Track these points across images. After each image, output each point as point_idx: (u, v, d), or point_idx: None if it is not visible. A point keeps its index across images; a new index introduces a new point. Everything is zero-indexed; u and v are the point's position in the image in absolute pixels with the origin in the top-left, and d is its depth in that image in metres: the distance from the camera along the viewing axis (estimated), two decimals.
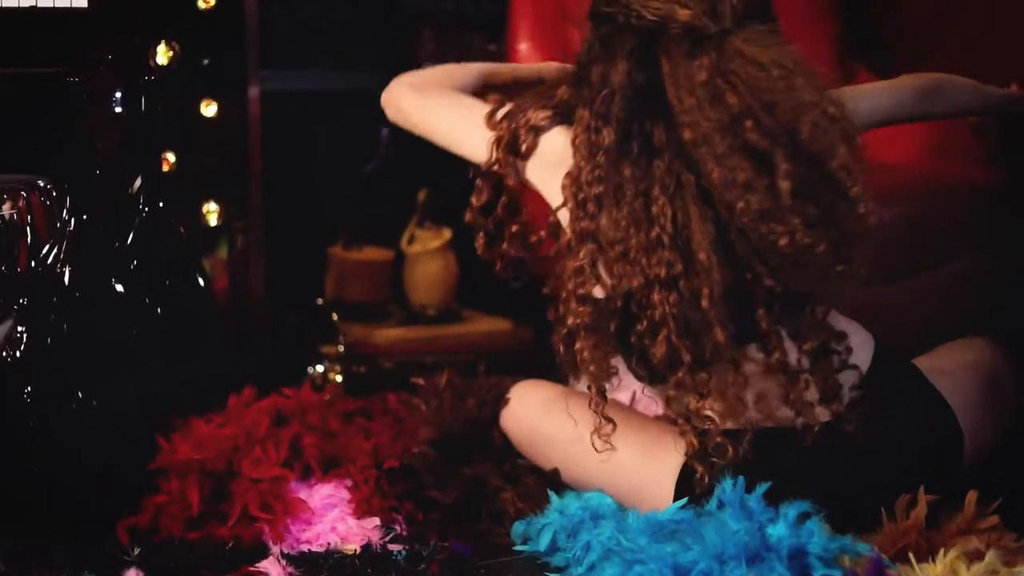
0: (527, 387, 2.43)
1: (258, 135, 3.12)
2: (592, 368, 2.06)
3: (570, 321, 2.05)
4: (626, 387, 2.54)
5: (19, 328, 2.32)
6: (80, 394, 2.38)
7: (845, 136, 1.93)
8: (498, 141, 2.15)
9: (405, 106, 2.29)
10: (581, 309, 2.05)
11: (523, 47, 3.13)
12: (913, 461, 2.12)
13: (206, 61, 3.08)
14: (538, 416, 2.36)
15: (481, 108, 2.22)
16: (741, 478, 1.99)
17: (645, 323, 2.00)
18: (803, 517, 1.94)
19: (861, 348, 2.12)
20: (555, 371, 3.22)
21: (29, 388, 2.30)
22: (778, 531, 1.93)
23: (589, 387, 2.12)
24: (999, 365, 2.26)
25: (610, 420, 2.12)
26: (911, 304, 2.66)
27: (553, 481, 2.30)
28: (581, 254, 2.04)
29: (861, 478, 2.09)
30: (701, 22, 1.97)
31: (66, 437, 2.33)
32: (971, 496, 2.06)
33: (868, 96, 2.20)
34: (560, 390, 2.39)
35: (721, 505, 2.01)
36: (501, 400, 2.46)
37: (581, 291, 2.05)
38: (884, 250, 2.37)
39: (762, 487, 1.98)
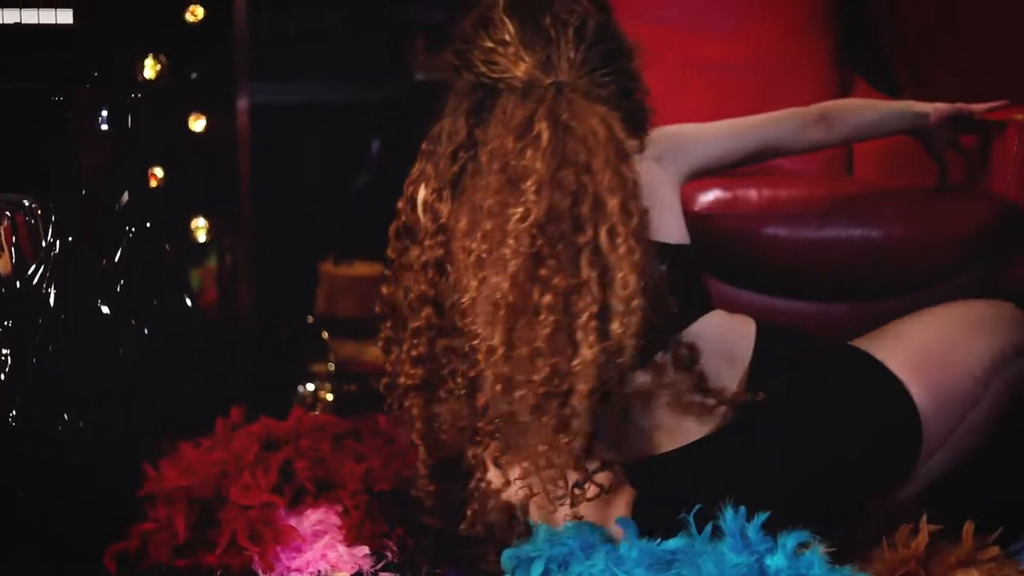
0: None
1: (247, 148, 3.09)
2: None
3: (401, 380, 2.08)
4: None
5: (3, 350, 2.28)
6: (66, 416, 2.35)
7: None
8: None
9: None
10: (412, 371, 2.06)
11: None
12: (847, 443, 2.06)
13: (194, 74, 3.06)
14: None
15: None
16: (742, 508, 1.95)
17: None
18: (802, 547, 1.91)
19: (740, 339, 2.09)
20: None
21: (14, 411, 2.26)
22: (777, 562, 1.89)
23: None
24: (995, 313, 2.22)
25: None
26: None
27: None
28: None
29: (791, 471, 2.05)
30: (534, 75, 1.93)
31: (52, 461, 2.29)
32: (968, 527, 2.03)
33: (724, 133, 2.21)
34: None
35: (718, 534, 1.96)
36: None
37: (414, 352, 2.05)
38: (885, 267, 2.47)
39: (760, 517, 1.94)
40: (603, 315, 1.86)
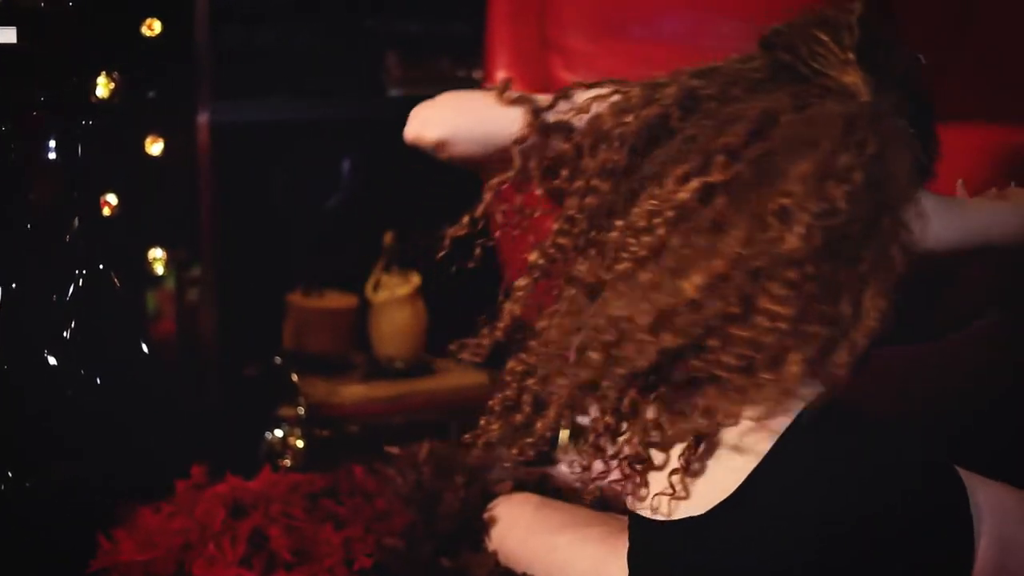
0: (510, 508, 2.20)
1: (209, 172, 2.92)
2: None
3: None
4: None
5: None
6: (10, 475, 2.21)
7: None
8: None
9: None
10: None
11: (502, 77, 2.88)
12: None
13: (151, 93, 2.85)
14: (519, 541, 2.12)
15: None
16: None
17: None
18: None
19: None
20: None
21: None
22: None
23: None
24: None
25: None
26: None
27: None
28: None
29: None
30: (858, 88, 1.80)
31: None
32: None
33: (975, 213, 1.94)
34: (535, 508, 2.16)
35: None
36: (491, 477, 2.27)
37: None
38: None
39: None
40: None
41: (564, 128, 1.86)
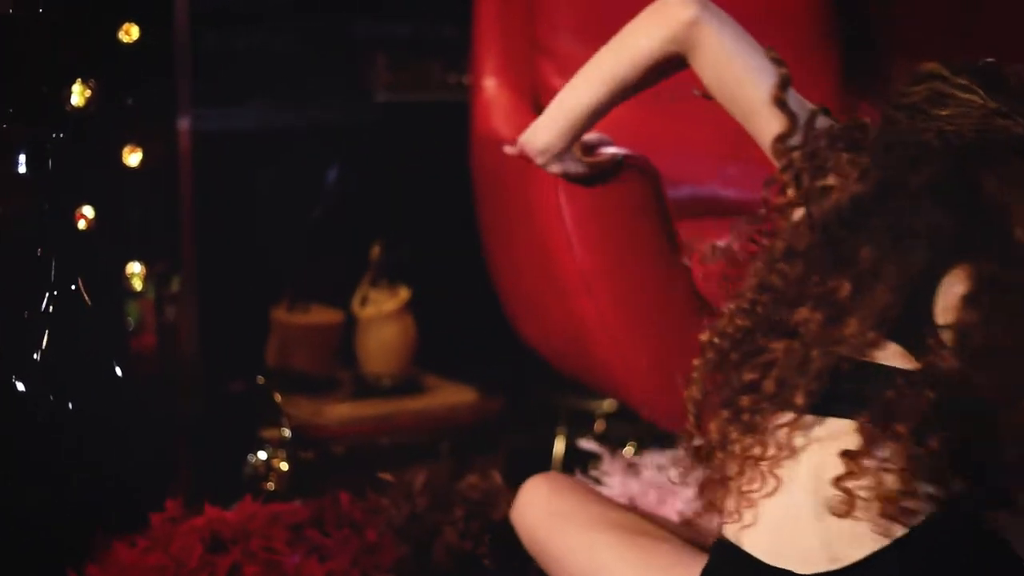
0: (536, 488, 2.05)
1: (189, 182, 2.79)
2: None
3: None
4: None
5: None
6: None
7: None
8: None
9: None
10: None
11: (490, 83, 2.82)
12: None
13: (129, 101, 2.70)
14: (546, 530, 1.97)
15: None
16: None
17: None
18: None
19: None
20: (526, 449, 3.09)
21: None
22: None
23: None
24: None
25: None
26: None
27: None
28: None
29: None
30: None
31: None
32: None
33: None
34: (579, 495, 2.02)
35: None
36: (492, 510, 2.16)
37: None
38: None
39: None
40: None
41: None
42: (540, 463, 3.06)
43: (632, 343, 2.24)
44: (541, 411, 3.19)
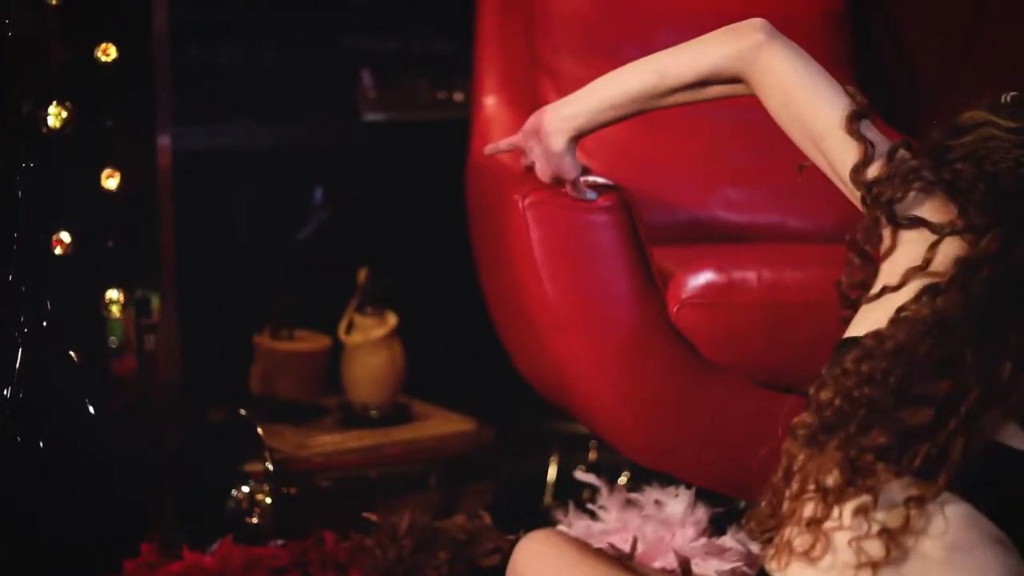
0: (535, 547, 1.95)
1: (170, 204, 2.72)
2: None
3: None
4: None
5: None
6: None
7: None
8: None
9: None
10: None
11: (490, 101, 2.82)
12: None
13: (108, 122, 2.68)
14: None
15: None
16: None
17: None
18: None
19: None
20: (519, 478, 3.02)
21: None
22: None
23: None
24: None
25: None
26: None
27: None
28: None
29: None
30: None
31: None
32: None
33: None
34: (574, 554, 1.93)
35: None
36: (478, 552, 2.16)
37: None
38: None
39: None
40: None
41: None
42: (533, 493, 3.02)
43: (603, 380, 2.22)
44: (534, 438, 3.14)
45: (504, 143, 2.19)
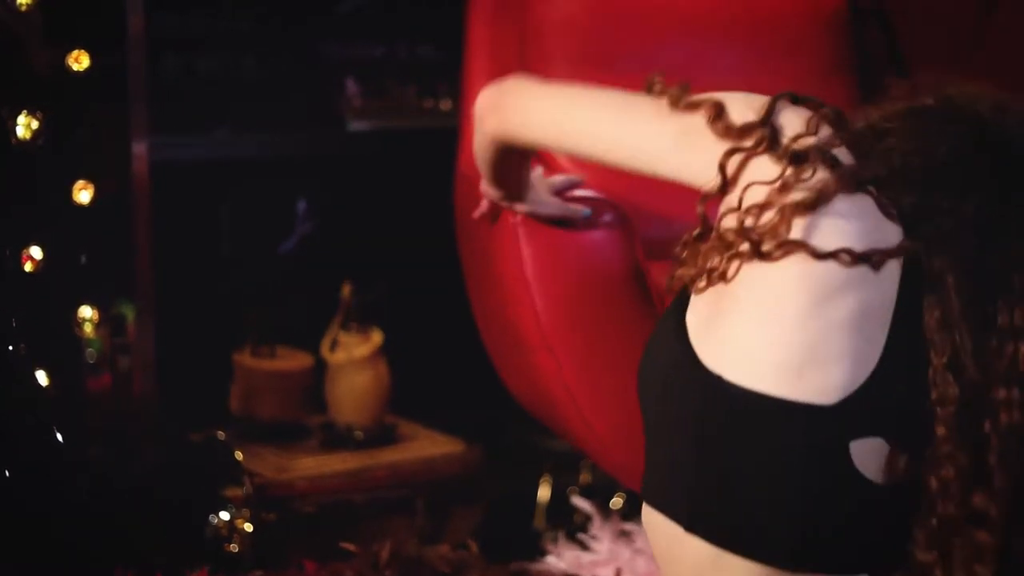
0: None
1: (146, 218, 2.71)
2: None
3: None
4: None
5: None
6: None
7: None
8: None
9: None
10: None
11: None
12: None
13: (80, 133, 2.67)
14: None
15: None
16: None
17: None
18: None
19: None
20: (508, 500, 2.96)
21: None
22: None
23: None
24: None
25: None
26: None
27: None
28: None
29: None
30: None
31: None
32: None
33: None
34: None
35: None
36: None
37: None
38: None
39: None
40: None
41: None
42: (523, 515, 2.98)
43: (592, 403, 2.18)
44: (524, 458, 3.10)
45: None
